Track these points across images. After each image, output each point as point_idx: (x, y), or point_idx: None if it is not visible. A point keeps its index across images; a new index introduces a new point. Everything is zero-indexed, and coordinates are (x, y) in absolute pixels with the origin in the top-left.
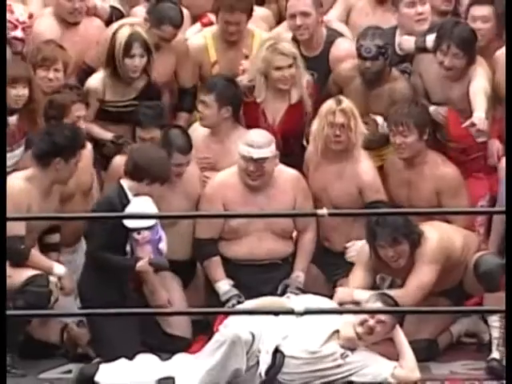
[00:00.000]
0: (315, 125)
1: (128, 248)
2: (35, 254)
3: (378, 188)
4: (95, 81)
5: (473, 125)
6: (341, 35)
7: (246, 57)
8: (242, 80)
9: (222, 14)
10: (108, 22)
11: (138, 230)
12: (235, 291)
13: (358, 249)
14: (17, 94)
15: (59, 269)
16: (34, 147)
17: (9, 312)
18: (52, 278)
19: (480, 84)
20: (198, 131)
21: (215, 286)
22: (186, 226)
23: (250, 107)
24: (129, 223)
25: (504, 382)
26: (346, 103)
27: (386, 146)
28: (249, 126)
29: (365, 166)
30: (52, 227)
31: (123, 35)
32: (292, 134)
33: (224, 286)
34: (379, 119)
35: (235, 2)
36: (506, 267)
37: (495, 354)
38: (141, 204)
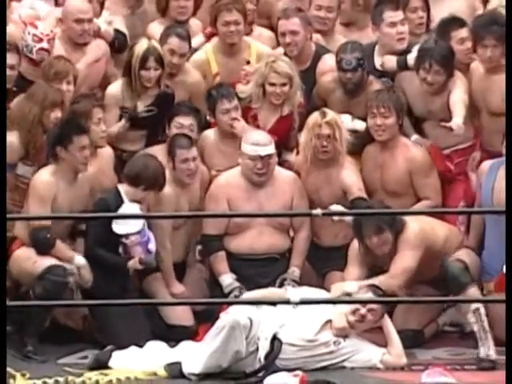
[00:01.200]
0: (303, 136)
1: (120, 250)
2: (59, 244)
3: (360, 187)
4: (115, 88)
5: (451, 129)
6: (328, 51)
7: (248, 62)
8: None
9: (220, 18)
10: (111, 45)
11: (126, 236)
12: (237, 284)
13: None
14: (56, 116)
15: (79, 259)
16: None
17: (9, 303)
18: (70, 267)
19: (459, 95)
20: (208, 138)
21: (219, 279)
22: (185, 230)
23: (246, 111)
24: (117, 229)
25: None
26: (331, 115)
27: (361, 151)
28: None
29: (348, 170)
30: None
31: (140, 49)
32: (279, 142)
33: (227, 279)
34: (346, 117)
35: (232, 2)
36: (506, 267)
37: (481, 351)
38: (129, 210)
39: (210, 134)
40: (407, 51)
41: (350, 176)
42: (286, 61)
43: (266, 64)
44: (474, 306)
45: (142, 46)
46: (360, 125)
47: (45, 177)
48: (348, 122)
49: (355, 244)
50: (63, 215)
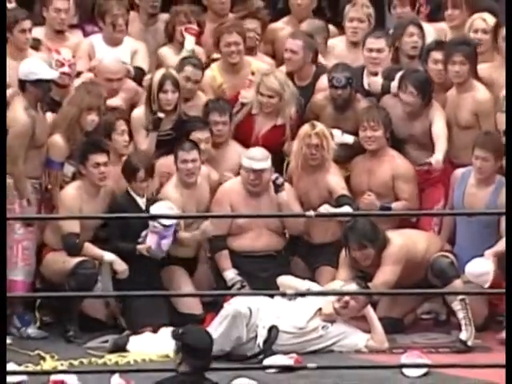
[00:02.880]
0: (295, 145)
1: (143, 233)
2: (89, 246)
3: (343, 187)
4: (138, 112)
5: (429, 164)
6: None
7: (253, 73)
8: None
9: (222, 40)
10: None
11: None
12: (239, 278)
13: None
14: (92, 119)
15: (109, 255)
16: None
17: (9, 294)
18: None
19: (441, 129)
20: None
21: (223, 274)
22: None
23: (247, 116)
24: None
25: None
26: (320, 127)
27: (349, 161)
28: (243, 130)
29: (333, 174)
30: (102, 224)
31: (158, 75)
32: (271, 147)
33: (230, 274)
34: (336, 132)
35: (232, 25)
36: (506, 267)
37: (463, 334)
38: (162, 206)
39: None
40: (391, 76)
41: (334, 178)
42: (279, 77)
43: (260, 76)
44: (461, 296)
45: (159, 72)
46: (349, 138)
47: (70, 191)
48: (338, 136)
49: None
50: (69, 216)
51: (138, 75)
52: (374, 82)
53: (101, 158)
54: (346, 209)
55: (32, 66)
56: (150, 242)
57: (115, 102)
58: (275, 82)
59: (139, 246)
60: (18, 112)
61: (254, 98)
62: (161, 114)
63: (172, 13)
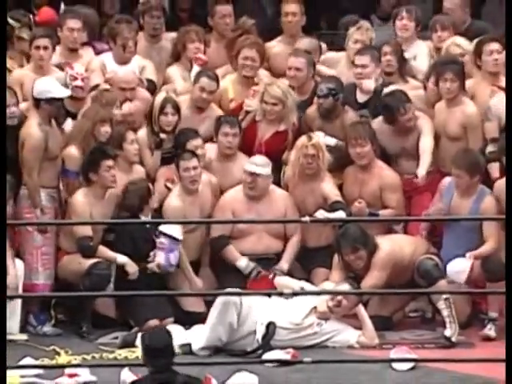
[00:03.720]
0: (292, 155)
1: (151, 253)
2: (102, 248)
3: (337, 194)
4: (142, 133)
5: (416, 176)
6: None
7: (256, 84)
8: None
9: (242, 53)
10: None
11: (161, 235)
12: (253, 264)
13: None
14: (105, 130)
15: (122, 258)
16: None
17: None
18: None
19: (427, 143)
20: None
21: (237, 265)
22: (200, 233)
23: (251, 123)
24: (162, 228)
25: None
26: (316, 139)
27: (342, 170)
28: (247, 136)
29: (328, 183)
30: (108, 229)
31: (160, 98)
32: (273, 153)
33: (244, 262)
34: (319, 133)
35: (254, 43)
36: (506, 267)
37: (447, 331)
38: (168, 228)
39: (212, 149)
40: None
41: (328, 186)
42: (282, 87)
43: (264, 86)
44: (445, 295)
45: (160, 96)
46: (330, 140)
47: (80, 198)
48: (321, 137)
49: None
50: (73, 222)
51: (151, 87)
52: (361, 97)
53: (111, 162)
54: (340, 214)
55: (46, 84)
56: (158, 259)
57: (128, 108)
58: (278, 91)
59: (150, 265)
60: (32, 127)
61: (258, 106)
62: (162, 135)
63: (181, 32)
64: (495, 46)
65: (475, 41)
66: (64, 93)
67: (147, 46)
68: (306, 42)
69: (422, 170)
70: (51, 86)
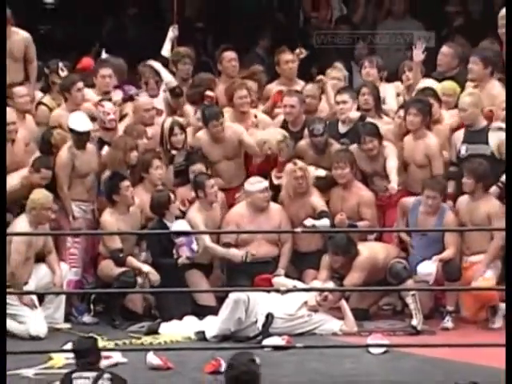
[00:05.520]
0: (284, 179)
1: (174, 251)
2: (131, 259)
3: (323, 205)
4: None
5: (388, 190)
6: (314, 121)
7: (255, 116)
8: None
9: (236, 94)
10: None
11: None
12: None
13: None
14: (134, 155)
15: (146, 267)
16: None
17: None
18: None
19: (393, 163)
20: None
21: (232, 256)
22: (214, 240)
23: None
24: (176, 226)
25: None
26: (300, 163)
27: (328, 190)
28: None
29: (315, 196)
30: (140, 238)
31: (168, 122)
32: (265, 172)
33: (237, 251)
34: (311, 168)
35: (242, 83)
36: (506, 267)
37: (414, 321)
38: (180, 224)
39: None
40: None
41: (316, 199)
42: (279, 140)
43: (263, 140)
44: (412, 292)
45: (168, 120)
46: (321, 172)
47: (107, 217)
48: (313, 171)
49: (326, 257)
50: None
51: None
52: (352, 115)
53: (127, 182)
54: (325, 220)
55: (75, 120)
56: (183, 252)
57: (151, 133)
58: (275, 145)
59: (180, 260)
60: (63, 150)
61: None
62: (173, 152)
63: (195, 79)
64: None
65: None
66: (87, 127)
67: (179, 84)
68: (300, 84)
69: (394, 185)
70: (78, 121)
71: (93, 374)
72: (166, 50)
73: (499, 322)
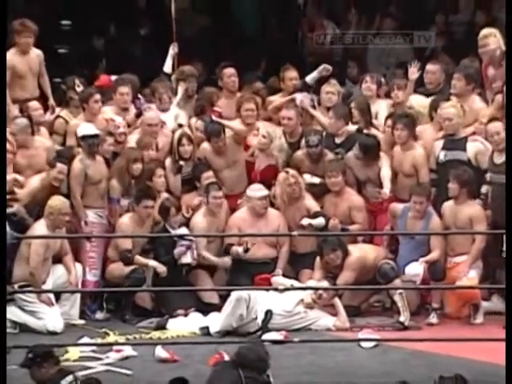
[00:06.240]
0: (278, 187)
1: (176, 252)
2: (138, 257)
3: (316, 206)
4: (168, 161)
5: (381, 195)
6: (310, 133)
7: (257, 129)
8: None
9: (243, 107)
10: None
11: (183, 239)
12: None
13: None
14: (137, 167)
15: (152, 263)
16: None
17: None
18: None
19: (386, 172)
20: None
21: (233, 251)
22: (215, 244)
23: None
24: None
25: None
26: (292, 172)
27: (323, 197)
28: (247, 169)
29: (308, 199)
30: (149, 241)
31: (177, 134)
32: (266, 180)
33: (228, 261)
34: (306, 175)
35: (251, 97)
36: (506, 266)
37: (401, 317)
38: (182, 231)
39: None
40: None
41: (310, 202)
42: (270, 130)
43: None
44: (399, 290)
45: (177, 132)
46: (315, 180)
47: (125, 220)
48: (308, 178)
49: (319, 258)
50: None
51: (180, 128)
52: (348, 128)
53: (149, 202)
54: (320, 219)
55: (84, 128)
56: (185, 258)
57: (161, 142)
58: (269, 133)
59: (190, 261)
60: (75, 160)
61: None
62: (181, 162)
63: (201, 93)
64: (445, 104)
65: (431, 98)
66: (93, 131)
67: (184, 100)
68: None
69: (386, 190)
70: (87, 127)
71: None
72: (167, 67)
73: (480, 318)
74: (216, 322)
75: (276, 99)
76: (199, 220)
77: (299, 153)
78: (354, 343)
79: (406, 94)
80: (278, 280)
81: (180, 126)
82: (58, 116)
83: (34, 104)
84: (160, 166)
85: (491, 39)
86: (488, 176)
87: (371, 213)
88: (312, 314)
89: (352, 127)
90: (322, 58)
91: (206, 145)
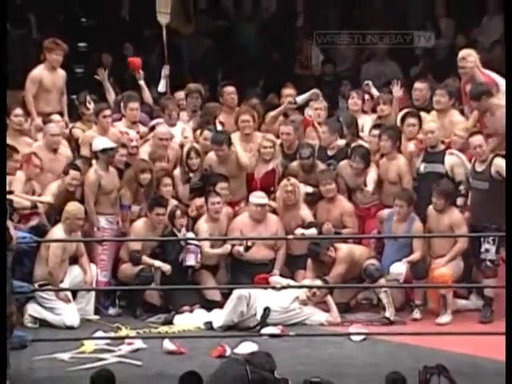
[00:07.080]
0: (278, 193)
1: (181, 256)
2: (145, 258)
3: (310, 216)
4: (177, 171)
5: (362, 190)
6: (304, 146)
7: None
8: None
9: (240, 118)
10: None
11: (190, 244)
12: (241, 248)
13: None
14: (145, 177)
15: (158, 263)
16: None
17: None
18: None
19: (372, 176)
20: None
21: (235, 250)
22: (218, 247)
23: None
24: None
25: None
26: (292, 180)
27: (316, 204)
28: (247, 176)
29: (304, 209)
30: (158, 245)
31: (186, 148)
32: (265, 186)
33: (240, 248)
34: (301, 185)
35: (246, 110)
36: (506, 266)
37: (387, 313)
38: (189, 236)
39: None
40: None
41: (305, 211)
42: (271, 139)
43: (260, 138)
44: (385, 288)
45: (186, 146)
46: (309, 189)
47: (139, 224)
48: (302, 187)
49: (309, 260)
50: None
51: (186, 141)
52: (339, 143)
53: (161, 210)
54: (312, 230)
55: (100, 141)
56: (190, 259)
57: (171, 156)
58: (269, 142)
59: (192, 264)
60: (90, 171)
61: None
62: (191, 174)
63: (204, 109)
64: (411, 120)
65: (402, 113)
66: (108, 144)
67: (190, 115)
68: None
69: (369, 188)
70: (101, 142)
71: None
72: (161, 86)
73: (447, 318)
74: (219, 317)
75: (274, 113)
76: (202, 225)
77: (294, 164)
78: (344, 337)
79: (393, 110)
80: (276, 279)
81: (185, 138)
82: (73, 127)
83: (56, 117)
84: (167, 176)
85: (469, 59)
86: (469, 182)
87: (360, 218)
88: (306, 310)
89: (341, 141)
90: (315, 77)
91: (211, 154)
